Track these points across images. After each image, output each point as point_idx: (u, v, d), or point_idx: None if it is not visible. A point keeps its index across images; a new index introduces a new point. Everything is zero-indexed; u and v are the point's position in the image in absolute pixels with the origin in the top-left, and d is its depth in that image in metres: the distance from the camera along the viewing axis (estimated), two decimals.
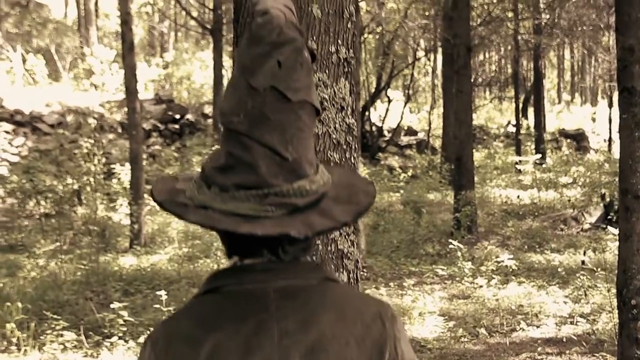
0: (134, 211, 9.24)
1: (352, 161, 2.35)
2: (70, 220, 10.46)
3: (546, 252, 9.85)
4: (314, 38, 2.25)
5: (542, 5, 19.21)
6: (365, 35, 19.78)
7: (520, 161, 16.57)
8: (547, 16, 19.68)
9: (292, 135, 1.13)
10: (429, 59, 20.22)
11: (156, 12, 17.81)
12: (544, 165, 16.96)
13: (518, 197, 14.88)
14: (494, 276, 7.56)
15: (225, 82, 18.60)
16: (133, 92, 9.48)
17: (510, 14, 17.92)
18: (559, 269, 8.14)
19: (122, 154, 15.42)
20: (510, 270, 7.83)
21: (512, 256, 8.05)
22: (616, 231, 9.00)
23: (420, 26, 18.10)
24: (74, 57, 19.32)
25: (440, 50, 20.35)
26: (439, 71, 26.02)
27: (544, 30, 19.33)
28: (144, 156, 15.76)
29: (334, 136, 2.29)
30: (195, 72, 24.91)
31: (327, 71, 2.27)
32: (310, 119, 1.16)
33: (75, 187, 10.83)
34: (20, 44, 18.00)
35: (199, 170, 1.23)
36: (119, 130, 16.51)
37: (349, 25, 2.34)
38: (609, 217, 11.76)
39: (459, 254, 7.54)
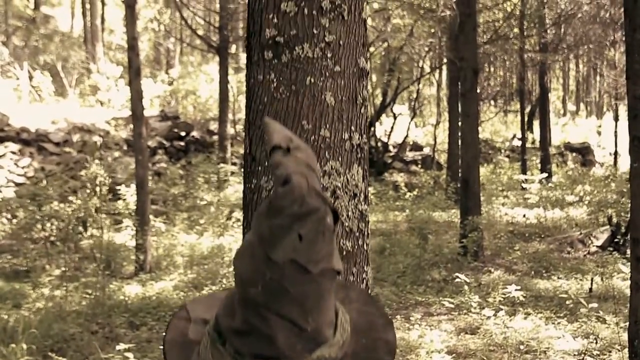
0: (139, 237, 9.21)
1: (365, 248, 2.32)
2: (75, 244, 10.45)
3: (553, 278, 9.79)
4: (327, 126, 2.22)
5: (548, 22, 19.22)
6: (372, 50, 19.80)
7: (526, 180, 16.52)
8: (553, 31, 19.69)
9: (312, 306, 1.09)
10: (434, 75, 20.19)
11: (162, 28, 17.84)
12: (549, 185, 16.90)
13: (524, 216, 14.84)
14: (501, 307, 7.52)
15: (231, 96, 18.61)
16: (139, 117, 9.47)
17: (516, 30, 17.89)
18: (567, 301, 8.07)
19: (128, 172, 15.43)
20: (518, 300, 7.77)
21: (519, 287, 7.99)
22: (624, 265, 8.95)
23: (426, 44, 18.09)
24: (79, 74, 19.36)
25: (446, 66, 20.36)
26: (444, 84, 26.04)
27: (550, 46, 19.33)
28: (149, 174, 15.79)
29: (346, 224, 2.26)
30: (200, 84, 24.96)
31: (339, 159, 2.24)
32: (331, 282, 1.13)
33: (81, 212, 10.81)
34: (27, 61, 18.04)
35: (213, 318, 1.18)
36: (125, 147, 16.51)
37: (362, 111, 2.32)
38: (616, 239, 11.71)
39: (466, 287, 7.49)
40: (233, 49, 17.58)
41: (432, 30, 18.47)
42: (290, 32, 2.19)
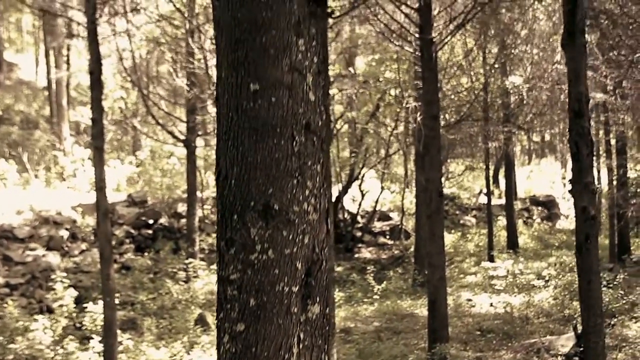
0: None
1: None
2: None
3: None
4: None
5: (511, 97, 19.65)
6: (338, 126, 20.01)
7: (493, 268, 16.78)
8: (518, 98, 20.09)
9: None
10: (401, 150, 20.47)
11: (129, 107, 17.89)
12: (516, 270, 17.16)
13: (491, 304, 15.05)
14: None
15: (198, 182, 18.54)
16: (107, 259, 9.42)
17: (479, 112, 18.22)
18: None
19: (95, 266, 15.31)
20: None
21: None
22: None
23: (390, 128, 18.37)
24: (45, 161, 19.20)
25: (413, 138, 20.62)
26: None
27: (512, 119, 19.73)
28: (116, 266, 15.68)
29: None
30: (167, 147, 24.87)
31: None
32: None
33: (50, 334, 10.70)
34: None
35: None
36: (92, 237, 16.37)
37: None
38: (582, 348, 11.93)
39: None
40: (201, 142, 17.59)
41: (398, 110, 18.71)
42: None
